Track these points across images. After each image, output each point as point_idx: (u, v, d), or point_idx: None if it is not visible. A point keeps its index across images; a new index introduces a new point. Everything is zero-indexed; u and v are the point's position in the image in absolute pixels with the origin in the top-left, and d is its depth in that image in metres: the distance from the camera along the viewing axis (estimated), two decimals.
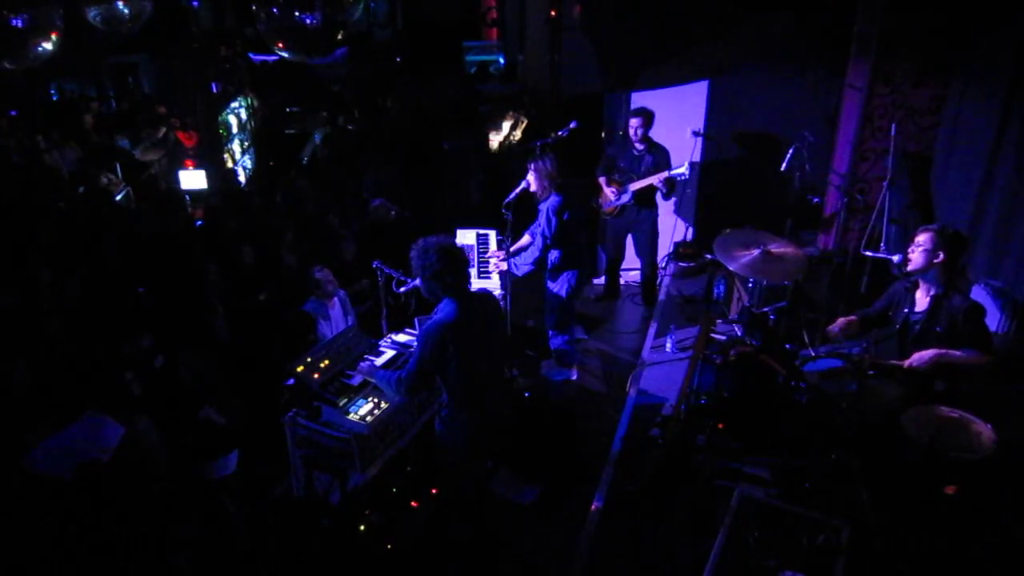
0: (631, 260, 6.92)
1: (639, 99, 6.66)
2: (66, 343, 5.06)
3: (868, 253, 4.67)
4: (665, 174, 6.03)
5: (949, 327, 3.81)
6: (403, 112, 11.41)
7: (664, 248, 7.16)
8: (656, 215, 6.45)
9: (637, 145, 6.20)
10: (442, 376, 3.64)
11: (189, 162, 9.26)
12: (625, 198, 6.31)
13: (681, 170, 5.93)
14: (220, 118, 10.28)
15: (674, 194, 6.43)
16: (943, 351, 3.78)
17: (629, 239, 6.68)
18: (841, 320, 4.18)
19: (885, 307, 4.16)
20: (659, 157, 6.14)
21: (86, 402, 4.18)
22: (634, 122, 6.14)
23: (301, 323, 5.29)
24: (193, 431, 4.32)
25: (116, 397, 4.36)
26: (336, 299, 5.44)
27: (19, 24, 5.19)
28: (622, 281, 7.16)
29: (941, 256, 3.78)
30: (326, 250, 6.38)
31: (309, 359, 4.18)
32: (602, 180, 6.46)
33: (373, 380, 4.03)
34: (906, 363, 3.85)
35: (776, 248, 4.34)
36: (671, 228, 7.22)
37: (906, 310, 4.01)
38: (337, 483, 4.16)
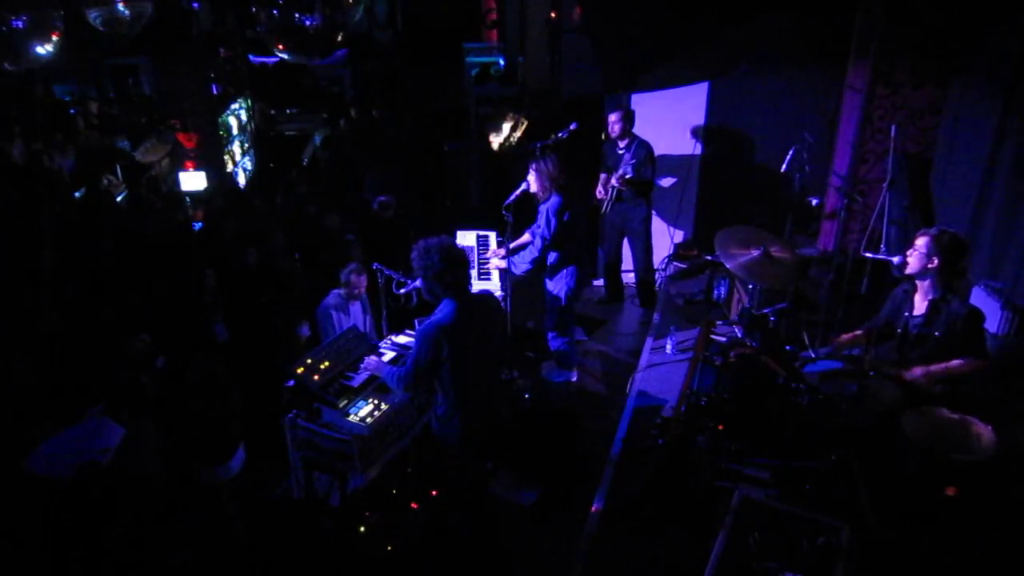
0: (629, 261, 6.93)
1: (639, 100, 6.67)
2: (67, 344, 5.06)
3: (868, 255, 4.66)
4: (619, 172, 6.10)
5: (947, 331, 3.80)
6: (403, 114, 11.41)
7: (664, 249, 7.15)
8: (645, 213, 6.40)
9: (619, 143, 6.21)
10: (438, 376, 3.64)
11: (189, 163, 9.27)
12: (607, 193, 6.34)
13: (628, 168, 6.09)
14: (220, 120, 10.28)
15: (631, 198, 6.30)
16: (935, 367, 3.79)
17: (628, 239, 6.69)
18: (846, 336, 4.17)
19: (889, 314, 4.15)
20: (638, 155, 6.12)
21: (90, 403, 4.19)
22: (611, 118, 6.17)
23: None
24: (196, 432, 4.31)
25: (123, 399, 4.37)
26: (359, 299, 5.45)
27: (19, 25, 5.18)
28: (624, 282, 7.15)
29: (935, 262, 3.77)
30: (334, 254, 6.39)
31: (309, 360, 4.18)
32: (603, 176, 6.48)
33: (380, 375, 4.04)
34: (906, 375, 3.85)
35: (777, 251, 4.33)
36: (671, 229, 7.22)
37: (906, 314, 4.01)
38: (337, 484, 4.16)
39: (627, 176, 6.09)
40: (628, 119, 6.16)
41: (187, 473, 4.25)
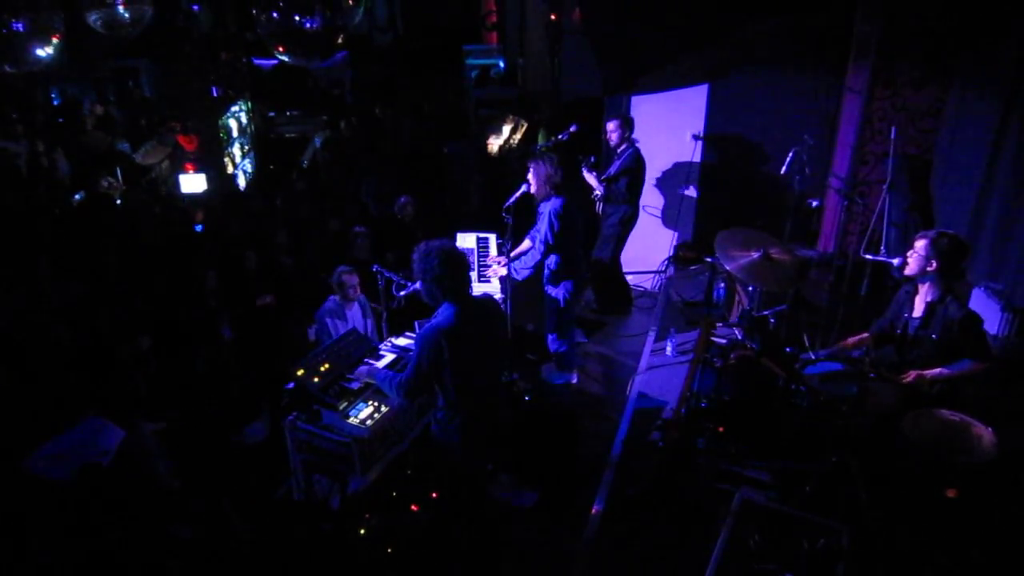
0: (629, 263, 6.93)
1: (639, 102, 6.68)
2: (69, 346, 5.06)
3: (868, 256, 4.66)
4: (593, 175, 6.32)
5: (943, 334, 3.80)
6: (403, 116, 11.43)
7: (664, 251, 7.16)
8: (620, 218, 6.39)
9: (617, 149, 6.30)
10: (438, 379, 3.64)
11: (190, 166, 9.28)
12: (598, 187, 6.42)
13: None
14: (220, 122, 10.29)
15: (615, 199, 6.37)
16: (931, 372, 3.79)
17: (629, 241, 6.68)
18: (854, 338, 4.17)
19: (892, 315, 4.15)
20: (623, 161, 6.20)
21: (89, 405, 4.19)
22: (608, 126, 6.27)
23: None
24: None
25: (121, 399, 4.37)
26: (356, 302, 5.44)
27: (20, 28, 5.19)
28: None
29: (934, 264, 3.78)
30: (341, 251, 6.40)
31: (309, 362, 4.17)
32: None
33: (374, 382, 4.03)
34: (904, 379, 3.85)
35: (777, 253, 4.33)
36: (671, 231, 7.22)
37: (906, 315, 4.01)
38: (337, 487, 4.15)
39: (591, 174, 6.31)
40: (625, 126, 6.21)
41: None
